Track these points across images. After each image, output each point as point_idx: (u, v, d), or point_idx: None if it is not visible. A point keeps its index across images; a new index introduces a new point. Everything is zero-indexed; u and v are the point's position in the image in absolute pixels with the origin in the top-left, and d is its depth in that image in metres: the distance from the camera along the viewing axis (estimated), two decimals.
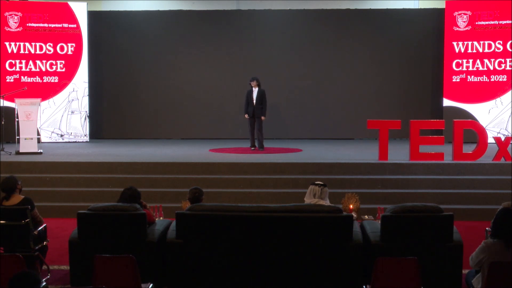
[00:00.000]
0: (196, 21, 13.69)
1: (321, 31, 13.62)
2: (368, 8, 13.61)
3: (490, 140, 9.90)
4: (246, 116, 11.14)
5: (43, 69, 12.82)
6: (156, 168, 9.25)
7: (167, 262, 5.19)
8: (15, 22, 12.67)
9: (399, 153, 10.07)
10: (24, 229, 5.48)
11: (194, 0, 13.91)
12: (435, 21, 13.24)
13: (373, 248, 5.06)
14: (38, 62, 12.81)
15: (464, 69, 12.63)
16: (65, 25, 12.87)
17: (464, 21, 12.58)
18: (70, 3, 12.89)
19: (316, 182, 5.87)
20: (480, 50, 12.57)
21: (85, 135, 13.07)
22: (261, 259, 5.08)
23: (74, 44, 12.92)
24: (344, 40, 13.62)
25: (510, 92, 12.47)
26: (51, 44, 12.82)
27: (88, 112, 13.12)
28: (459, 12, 12.61)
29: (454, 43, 12.64)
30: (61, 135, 12.97)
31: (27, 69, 12.77)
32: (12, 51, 12.73)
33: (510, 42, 12.42)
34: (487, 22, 12.52)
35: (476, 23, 12.56)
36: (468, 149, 9.66)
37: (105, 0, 14.15)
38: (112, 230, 5.21)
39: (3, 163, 9.22)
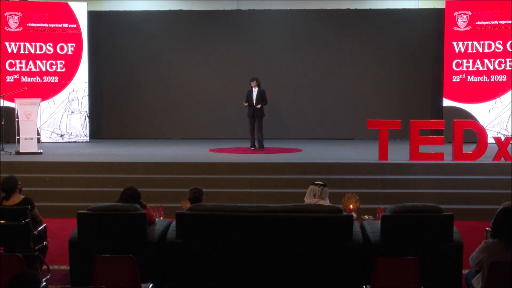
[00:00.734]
0: (196, 21, 13.69)
1: (321, 31, 13.62)
2: (368, 8, 13.61)
3: (490, 140, 9.90)
4: (246, 104, 11.04)
5: (43, 69, 12.82)
6: (156, 168, 9.25)
7: (167, 262, 5.19)
8: (15, 22, 12.67)
9: (399, 153, 10.07)
10: (24, 229, 5.48)
11: (194, 0, 13.91)
12: (435, 21, 13.24)
13: (373, 248, 5.06)
14: (38, 62, 12.81)
15: (464, 69, 12.63)
16: (65, 25, 12.87)
17: (464, 21, 12.58)
18: (70, 3, 12.89)
19: (316, 182, 5.87)
20: (480, 50, 12.57)
21: (85, 135, 13.07)
22: (261, 259, 5.08)
23: (74, 44, 12.92)
24: (344, 40, 13.62)
25: (510, 92, 12.47)
26: (51, 44, 12.82)
27: (88, 112, 13.12)
28: (459, 12, 12.61)
29: (454, 43, 12.64)
30: (61, 135, 12.97)
31: (27, 69, 12.77)
32: (12, 51, 12.73)
33: (510, 42, 12.42)
34: (487, 22, 12.52)
35: (476, 23, 12.56)
36: (468, 149, 9.66)
37: (105, 0, 14.14)
38: (112, 230, 5.21)
39: (3, 163, 9.22)
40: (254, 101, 10.99)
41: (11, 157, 10.03)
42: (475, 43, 12.57)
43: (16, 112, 10.72)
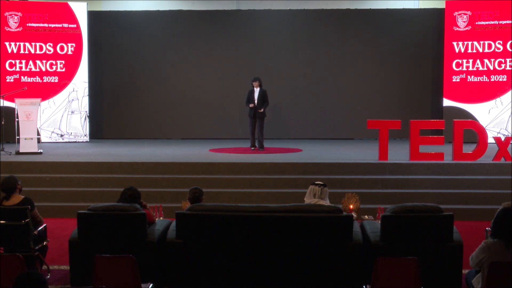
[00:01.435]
0: (196, 21, 13.69)
1: (321, 31, 13.62)
2: (368, 8, 13.61)
3: (490, 140, 9.90)
4: (251, 105, 11.00)
5: (43, 69, 12.82)
6: (156, 168, 9.25)
7: (167, 262, 5.19)
8: (15, 22, 12.67)
9: (399, 153, 10.07)
10: (24, 229, 5.48)
11: (194, 0, 13.91)
12: (435, 21, 13.24)
13: (373, 248, 5.06)
14: (38, 62, 12.81)
15: (464, 69, 12.63)
16: (65, 25, 12.87)
17: (464, 21, 12.58)
18: (70, 3, 12.89)
19: (316, 182, 5.87)
20: (480, 50, 12.57)
21: (85, 135, 13.07)
22: (261, 259, 5.08)
23: (74, 44, 12.92)
24: (344, 40, 13.62)
25: (510, 92, 12.47)
26: (51, 44, 12.83)
27: (88, 112, 13.12)
28: (459, 12, 12.61)
29: (454, 43, 12.64)
30: (61, 135, 12.97)
31: (27, 69, 12.77)
32: (12, 51, 12.73)
33: (510, 42, 12.42)
34: (487, 22, 12.52)
35: (476, 23, 12.56)
36: (468, 149, 9.66)
37: (105, 0, 14.14)
38: (112, 230, 5.21)
39: (3, 163, 9.22)
40: (256, 102, 10.98)
41: (11, 157, 10.03)
42: (475, 43, 12.57)
43: (16, 112, 10.72)
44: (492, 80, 12.56)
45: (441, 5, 12.95)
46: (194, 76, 13.73)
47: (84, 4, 12.97)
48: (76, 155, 10.50)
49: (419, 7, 13.72)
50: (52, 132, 12.92)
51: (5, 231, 5.45)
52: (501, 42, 12.46)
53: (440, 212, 5.12)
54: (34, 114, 10.64)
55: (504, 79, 12.51)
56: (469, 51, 12.60)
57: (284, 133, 13.63)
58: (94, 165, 9.37)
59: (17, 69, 12.74)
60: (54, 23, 12.82)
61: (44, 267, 5.76)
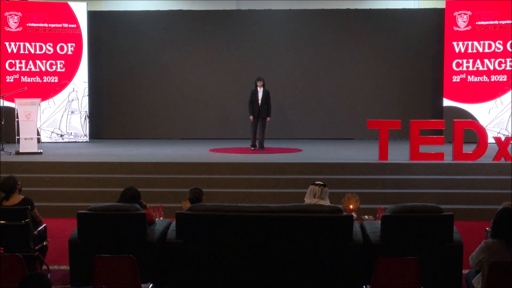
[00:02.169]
0: (196, 21, 13.69)
1: (321, 31, 13.62)
2: (368, 8, 13.61)
3: (490, 140, 9.90)
4: (251, 118, 11.07)
5: (43, 69, 12.82)
6: (156, 168, 9.25)
7: (167, 262, 5.19)
8: (15, 22, 12.67)
9: (399, 153, 10.06)
10: (24, 229, 5.48)
11: (194, 0, 13.91)
12: (435, 21, 13.24)
13: (373, 248, 5.06)
14: (38, 62, 12.81)
15: (464, 69, 12.63)
16: (65, 25, 12.87)
17: (464, 21, 12.58)
18: (70, 3, 12.89)
19: (316, 182, 5.87)
20: (480, 50, 12.57)
21: (85, 135, 13.07)
22: (261, 259, 5.08)
23: (74, 44, 12.92)
24: (344, 40, 13.62)
25: (510, 92, 12.47)
26: (51, 44, 12.82)
27: (88, 112, 13.12)
28: (459, 12, 12.61)
29: (454, 43, 12.64)
30: (61, 135, 12.97)
31: (27, 69, 12.77)
32: (12, 51, 12.73)
33: (510, 42, 12.42)
34: (487, 22, 12.52)
35: (476, 23, 12.56)
36: (468, 149, 9.66)
37: (105, 0, 14.14)
38: (112, 230, 5.20)
39: (3, 163, 9.22)
40: (260, 102, 10.97)
41: (11, 157, 10.02)
42: (475, 43, 12.57)
43: (16, 112, 10.72)
44: (492, 80, 12.56)
45: (441, 5, 12.95)
46: (194, 76, 13.73)
47: (84, 4, 12.97)
48: (76, 155, 10.50)
49: (419, 7, 13.72)
50: (52, 132, 12.92)
51: (5, 231, 5.45)
52: (501, 42, 12.46)
53: (440, 212, 5.12)
54: (34, 114, 10.64)
55: (504, 79, 12.51)
56: (469, 51, 12.60)
57: (284, 133, 13.62)
58: (94, 165, 9.36)
59: (17, 69, 12.74)
60: (54, 23, 12.82)
61: (44, 267, 5.76)
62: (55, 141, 12.85)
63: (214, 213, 5.12)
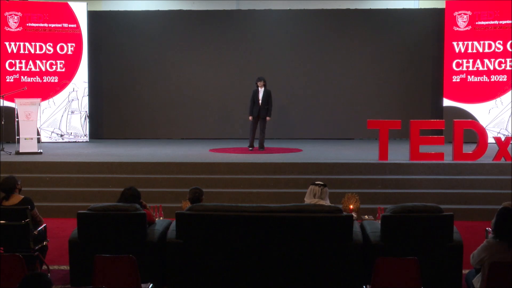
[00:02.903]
0: (196, 21, 13.69)
1: (321, 31, 13.62)
2: (368, 8, 13.61)
3: (490, 140, 9.90)
4: (251, 118, 11.07)
5: (43, 69, 12.82)
6: (156, 168, 9.25)
7: (167, 262, 5.19)
8: (15, 22, 12.67)
9: (399, 153, 10.06)
10: (24, 229, 5.48)
11: (194, 0, 13.91)
12: (435, 21, 13.24)
13: (373, 248, 5.06)
14: (38, 62, 12.81)
15: (464, 69, 12.63)
16: (65, 25, 12.87)
17: (464, 21, 12.58)
18: (70, 3, 12.89)
19: (316, 182, 5.87)
20: (480, 50, 12.57)
21: (85, 135, 13.07)
22: (261, 259, 5.08)
23: (74, 44, 12.92)
24: (344, 40, 13.62)
25: (510, 92, 12.47)
26: (51, 44, 12.82)
27: (88, 112, 13.12)
28: (459, 12, 12.61)
29: (454, 43, 12.64)
30: (61, 135, 12.97)
31: (27, 69, 12.77)
32: (12, 51, 12.73)
33: (510, 42, 12.42)
34: (487, 22, 12.52)
35: (476, 23, 12.56)
36: (468, 149, 9.66)
37: (105, 0, 14.14)
38: (112, 230, 5.20)
39: (3, 163, 9.21)
40: (260, 102, 10.96)
41: (11, 157, 10.02)
42: (475, 43, 12.57)
43: (16, 112, 10.71)
44: (492, 80, 12.56)
45: (441, 5, 12.95)
46: (194, 76, 13.73)
47: (84, 4, 12.97)
48: (76, 155, 10.49)
49: (419, 7, 13.72)
50: (52, 132, 12.92)
51: (5, 231, 5.45)
52: (501, 42, 12.46)
53: (440, 212, 5.13)
54: (34, 114, 10.64)
55: (504, 79, 12.51)
56: (469, 51, 12.60)
57: (284, 133, 13.62)
58: (94, 165, 9.36)
59: (17, 69, 12.74)
60: (54, 23, 12.82)
61: (44, 267, 5.76)
62: (55, 141, 12.85)
63: (214, 213, 5.12)
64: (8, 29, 12.68)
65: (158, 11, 13.81)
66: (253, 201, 8.31)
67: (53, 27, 12.82)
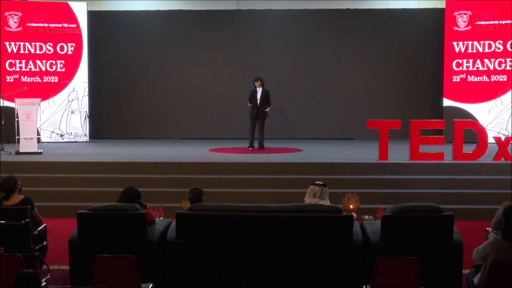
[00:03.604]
0: (196, 21, 13.69)
1: (321, 31, 13.62)
2: (368, 8, 13.61)
3: (490, 140, 9.90)
4: (249, 104, 10.99)
5: (43, 69, 12.82)
6: (156, 168, 9.25)
7: (167, 262, 5.19)
8: (15, 22, 12.67)
9: (399, 153, 10.06)
10: (24, 229, 5.48)
11: (194, 0, 13.91)
12: (435, 21, 13.24)
13: (373, 248, 5.06)
14: (38, 62, 12.81)
15: (464, 69, 12.62)
16: (65, 25, 12.87)
17: (464, 21, 12.58)
18: (70, 3, 12.89)
19: (316, 182, 5.87)
20: (480, 50, 12.57)
21: (85, 135, 13.07)
22: (261, 259, 5.08)
23: (74, 44, 12.92)
24: (344, 40, 13.62)
25: (510, 92, 12.47)
26: (51, 44, 12.82)
27: (88, 112, 13.12)
28: (459, 12, 12.61)
29: (454, 43, 12.64)
30: (61, 135, 12.97)
31: (27, 69, 12.77)
32: (12, 51, 12.73)
33: (510, 42, 12.42)
34: (487, 22, 12.52)
35: (476, 23, 12.56)
36: (468, 149, 9.66)
37: (105, 0, 14.14)
38: (112, 230, 5.21)
39: (3, 163, 9.22)
40: (259, 101, 10.95)
41: (11, 157, 10.02)
42: (475, 43, 12.57)
43: (16, 112, 10.72)
44: (492, 80, 12.56)
45: (441, 5, 12.94)
46: (194, 76, 13.73)
47: (84, 4, 12.97)
48: (76, 155, 10.49)
49: (419, 7, 13.72)
50: (52, 132, 12.92)
51: (5, 231, 5.45)
52: (501, 42, 12.46)
53: (440, 212, 5.13)
54: (34, 114, 10.64)
55: (504, 79, 12.51)
56: (469, 51, 12.60)
57: (284, 133, 13.62)
58: (94, 165, 9.36)
59: (17, 69, 12.74)
60: (54, 23, 12.81)
61: (44, 267, 5.76)
62: (55, 141, 12.85)
63: (214, 213, 5.12)
64: (8, 29, 12.68)
65: (158, 11, 13.81)
66: (253, 201, 8.31)
67: (53, 27, 12.82)
